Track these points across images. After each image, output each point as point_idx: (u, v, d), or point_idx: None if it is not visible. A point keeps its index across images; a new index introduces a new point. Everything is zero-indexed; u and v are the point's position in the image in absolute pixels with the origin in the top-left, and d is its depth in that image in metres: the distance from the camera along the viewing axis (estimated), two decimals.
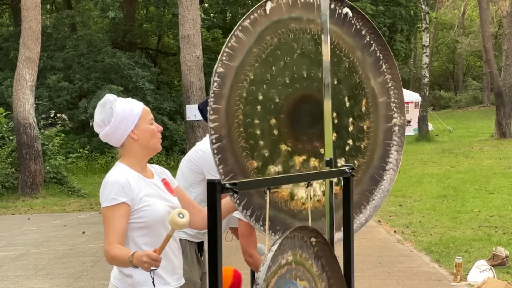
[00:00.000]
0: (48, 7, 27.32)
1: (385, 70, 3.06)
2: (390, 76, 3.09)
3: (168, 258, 2.62)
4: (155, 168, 2.80)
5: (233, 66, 2.54)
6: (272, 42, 2.68)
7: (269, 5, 2.62)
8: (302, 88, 2.78)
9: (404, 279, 6.27)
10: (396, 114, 3.12)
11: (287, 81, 2.75)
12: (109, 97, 2.66)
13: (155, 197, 2.62)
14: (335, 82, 2.90)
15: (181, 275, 2.74)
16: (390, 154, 3.13)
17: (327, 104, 2.67)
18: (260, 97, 2.67)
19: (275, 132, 2.71)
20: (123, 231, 2.53)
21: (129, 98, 2.77)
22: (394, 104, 3.12)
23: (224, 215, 2.87)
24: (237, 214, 3.67)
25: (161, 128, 2.74)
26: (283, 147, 2.74)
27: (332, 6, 2.85)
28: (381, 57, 3.05)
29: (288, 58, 2.75)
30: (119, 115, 2.61)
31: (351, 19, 2.95)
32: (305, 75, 2.80)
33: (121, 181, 2.56)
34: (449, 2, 48.03)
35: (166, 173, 2.83)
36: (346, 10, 2.92)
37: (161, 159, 18.65)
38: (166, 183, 2.75)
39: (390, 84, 3.10)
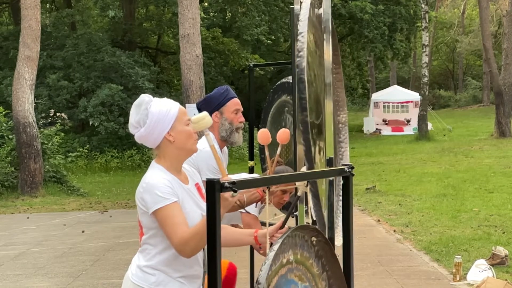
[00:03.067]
0: (47, 6, 27.31)
1: (332, 69, 3.24)
2: (335, 76, 3.27)
3: (191, 268, 2.58)
4: (187, 170, 2.72)
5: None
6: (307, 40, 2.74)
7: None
8: (315, 88, 2.87)
9: (404, 278, 6.27)
10: (339, 112, 3.31)
11: (311, 81, 2.81)
12: (144, 98, 2.59)
13: (191, 204, 2.56)
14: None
15: (200, 284, 2.68)
16: (340, 151, 3.27)
17: (329, 104, 2.68)
18: (312, 96, 2.72)
19: (312, 132, 2.78)
20: (186, 222, 2.45)
21: (165, 98, 2.69)
22: (338, 102, 3.30)
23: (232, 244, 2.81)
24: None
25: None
26: (314, 147, 2.81)
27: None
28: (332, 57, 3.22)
29: (310, 58, 2.81)
30: (155, 116, 2.54)
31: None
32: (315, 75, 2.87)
33: (166, 182, 2.50)
34: (448, 1, 48.03)
35: (196, 175, 2.76)
36: (321, 11, 2.95)
37: None
38: (199, 188, 2.69)
39: (335, 83, 3.26)
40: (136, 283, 2.58)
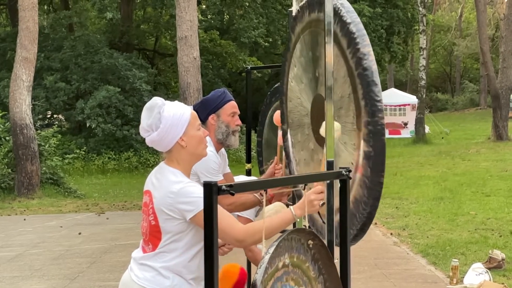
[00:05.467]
0: (45, 7, 27.28)
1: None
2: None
3: (200, 269, 2.56)
4: None
5: None
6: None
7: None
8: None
9: (401, 281, 6.27)
10: None
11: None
12: (156, 101, 2.54)
13: None
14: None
15: (203, 285, 2.69)
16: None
17: (329, 106, 2.68)
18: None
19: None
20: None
21: (176, 101, 2.66)
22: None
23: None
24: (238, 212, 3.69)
25: (207, 133, 2.66)
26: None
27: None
28: None
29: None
30: (168, 121, 2.49)
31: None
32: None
33: (194, 184, 2.50)
34: (446, 5, 48.11)
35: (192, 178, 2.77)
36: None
37: (158, 160, 18.63)
38: None
39: None
40: (147, 287, 2.55)
